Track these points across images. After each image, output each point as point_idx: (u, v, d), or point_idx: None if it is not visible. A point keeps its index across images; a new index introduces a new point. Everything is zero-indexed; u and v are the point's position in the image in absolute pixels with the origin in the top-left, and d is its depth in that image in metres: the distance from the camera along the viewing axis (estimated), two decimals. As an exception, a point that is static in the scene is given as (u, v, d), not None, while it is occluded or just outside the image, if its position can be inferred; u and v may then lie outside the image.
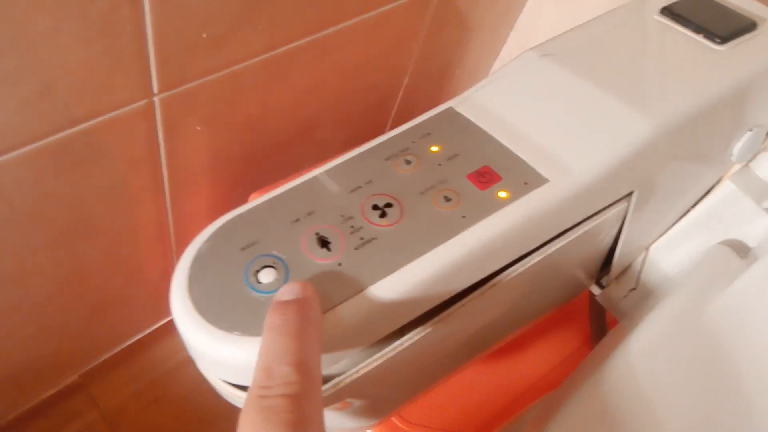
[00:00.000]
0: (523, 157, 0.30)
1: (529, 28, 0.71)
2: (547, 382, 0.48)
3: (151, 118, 0.43)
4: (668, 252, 0.38)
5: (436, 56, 0.67)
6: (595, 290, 0.41)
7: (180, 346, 0.26)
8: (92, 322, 0.60)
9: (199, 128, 0.47)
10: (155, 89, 0.41)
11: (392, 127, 0.67)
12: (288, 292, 0.24)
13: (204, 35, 0.40)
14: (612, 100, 0.31)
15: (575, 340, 0.51)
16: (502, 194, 0.28)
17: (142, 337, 0.71)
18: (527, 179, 0.29)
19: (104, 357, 0.69)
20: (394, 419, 0.43)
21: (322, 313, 0.24)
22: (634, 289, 0.39)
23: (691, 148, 0.34)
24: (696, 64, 0.33)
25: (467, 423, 0.45)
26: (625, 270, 0.40)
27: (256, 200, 0.29)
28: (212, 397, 0.30)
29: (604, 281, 0.40)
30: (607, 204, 0.32)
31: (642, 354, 0.33)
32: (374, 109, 0.67)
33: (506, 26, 0.72)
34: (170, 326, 0.71)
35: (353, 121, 0.65)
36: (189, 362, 0.28)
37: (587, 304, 0.50)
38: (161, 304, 0.67)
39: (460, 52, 0.70)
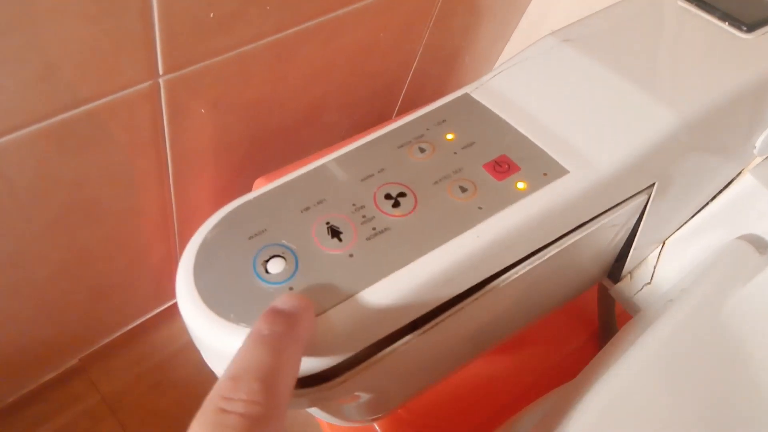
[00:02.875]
0: (543, 147, 0.29)
1: (541, 15, 0.70)
2: (555, 375, 0.47)
3: (156, 100, 0.42)
4: (685, 246, 0.37)
5: (446, 41, 0.66)
6: (608, 284, 0.40)
7: (181, 331, 0.26)
8: (93, 305, 0.60)
9: (203, 111, 0.47)
10: (161, 70, 0.40)
11: (400, 113, 0.66)
12: (285, 302, 0.23)
13: (211, 15, 0.39)
14: (634, 89, 0.30)
15: (583, 333, 0.50)
16: (521, 185, 0.27)
17: (144, 321, 0.71)
18: (546, 170, 0.28)
19: (105, 341, 0.69)
20: (400, 411, 0.42)
21: (316, 316, 0.24)
22: (648, 283, 0.38)
23: (714, 140, 0.33)
24: (721, 52, 0.32)
25: (474, 415, 0.44)
26: (640, 264, 0.39)
27: (264, 187, 0.28)
28: (214, 383, 0.29)
29: (617, 275, 0.39)
30: (627, 196, 0.31)
31: (657, 351, 0.32)
32: (382, 95, 0.66)
33: (518, 11, 0.70)
34: (172, 311, 0.71)
35: (360, 106, 0.64)
36: (190, 347, 0.27)
37: (596, 297, 0.49)
38: (163, 289, 0.67)
39: (470, 38, 0.69)
